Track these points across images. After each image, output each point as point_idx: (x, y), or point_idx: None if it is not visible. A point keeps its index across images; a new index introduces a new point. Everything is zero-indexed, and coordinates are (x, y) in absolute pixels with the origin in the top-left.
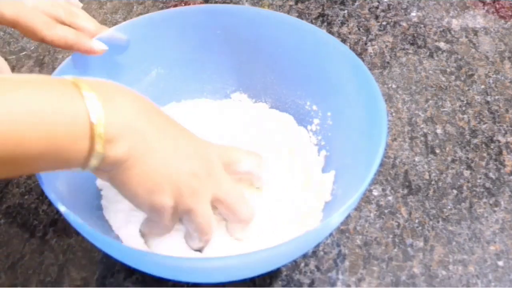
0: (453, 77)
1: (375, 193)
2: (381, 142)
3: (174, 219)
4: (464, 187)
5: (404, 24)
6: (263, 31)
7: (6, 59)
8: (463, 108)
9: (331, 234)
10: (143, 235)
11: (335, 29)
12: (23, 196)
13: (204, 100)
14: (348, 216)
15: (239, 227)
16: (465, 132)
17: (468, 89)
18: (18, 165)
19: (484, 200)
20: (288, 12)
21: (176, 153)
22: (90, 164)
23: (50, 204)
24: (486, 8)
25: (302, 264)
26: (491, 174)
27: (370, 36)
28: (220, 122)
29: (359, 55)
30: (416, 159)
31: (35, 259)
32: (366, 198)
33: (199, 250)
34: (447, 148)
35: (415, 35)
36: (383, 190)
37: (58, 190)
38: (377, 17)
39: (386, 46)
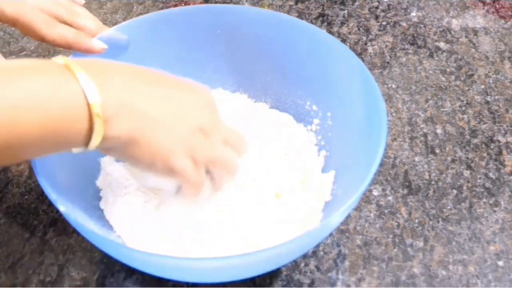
0: (453, 77)
1: (375, 193)
2: (381, 142)
3: (201, 173)
4: (464, 187)
5: (404, 24)
6: (263, 31)
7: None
8: (463, 108)
9: (331, 234)
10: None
11: (335, 29)
12: (23, 196)
13: None
14: (348, 216)
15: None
16: (465, 132)
17: (468, 89)
18: (18, 150)
19: (484, 200)
20: (288, 12)
21: (177, 115)
22: (91, 143)
23: (50, 204)
24: (486, 8)
25: (302, 264)
26: (491, 174)
27: (370, 36)
28: None
29: (359, 55)
30: (416, 159)
31: (35, 259)
32: (366, 198)
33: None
34: (447, 148)
35: (415, 35)
36: (383, 190)
37: (58, 190)
38: (377, 17)
39: (386, 46)
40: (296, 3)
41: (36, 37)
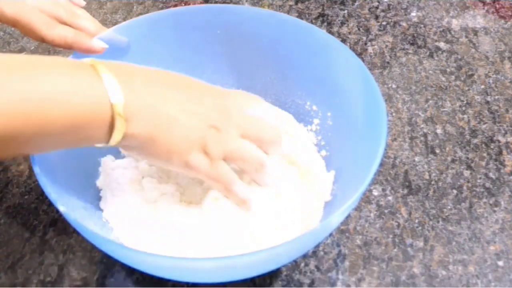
0: (453, 77)
1: (375, 193)
2: (381, 142)
3: (220, 167)
4: (464, 187)
5: (404, 24)
6: (263, 31)
7: None
8: (463, 108)
9: (331, 234)
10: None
11: (335, 29)
12: (23, 196)
13: None
14: (348, 216)
15: (261, 175)
16: (465, 132)
17: (468, 89)
18: (42, 141)
19: (484, 200)
20: (288, 12)
21: (194, 114)
22: (112, 140)
23: (50, 204)
24: (486, 8)
25: (302, 264)
26: (491, 174)
27: (370, 36)
28: None
29: (359, 55)
30: (416, 159)
31: (35, 259)
32: (366, 198)
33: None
34: (447, 148)
35: (415, 35)
36: (383, 190)
37: (58, 190)
38: (377, 17)
39: (386, 46)
40: (296, 3)
41: (36, 37)
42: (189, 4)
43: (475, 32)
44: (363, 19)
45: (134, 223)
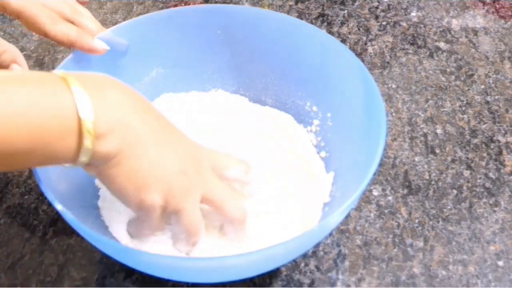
0: (453, 77)
1: (375, 193)
2: (379, 143)
3: (163, 220)
4: (464, 187)
5: (404, 24)
6: (263, 31)
7: None
8: (463, 108)
9: (331, 234)
10: (130, 235)
11: (335, 29)
12: (23, 196)
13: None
14: (348, 216)
15: (232, 228)
16: (465, 132)
17: (468, 89)
18: (7, 160)
19: (484, 200)
20: (288, 12)
21: (166, 151)
22: (79, 159)
23: (50, 204)
24: (486, 8)
25: (302, 264)
26: (491, 174)
27: (370, 36)
28: (220, 122)
29: (359, 55)
30: (416, 159)
31: (35, 259)
32: (366, 198)
33: (187, 254)
34: (447, 148)
35: (415, 35)
36: (383, 190)
37: (56, 189)
38: (377, 17)
39: (386, 46)
40: (296, 3)
41: (39, 31)
42: (189, 4)
43: (475, 32)
44: (363, 19)
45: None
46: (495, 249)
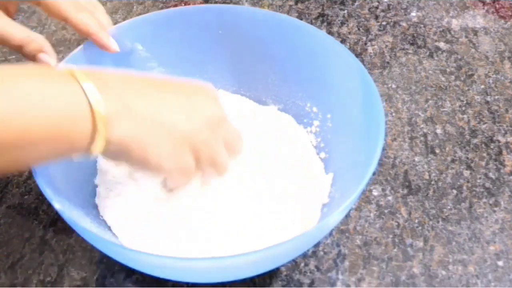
0: (453, 77)
1: (375, 193)
2: (378, 144)
3: (197, 170)
4: (464, 187)
5: (404, 24)
6: (263, 31)
7: (6, 59)
8: (463, 108)
9: (331, 234)
10: (167, 190)
11: (335, 29)
12: (23, 196)
13: None
14: (348, 216)
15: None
16: (465, 132)
17: (468, 89)
18: (22, 152)
19: (484, 200)
20: (288, 12)
21: (180, 117)
22: (95, 147)
23: (50, 204)
24: (486, 8)
25: (302, 264)
26: (491, 174)
27: (370, 36)
28: None
29: (359, 55)
30: (416, 159)
31: (35, 259)
32: (366, 198)
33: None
34: (447, 148)
35: (415, 35)
36: (383, 190)
37: (56, 188)
38: (377, 17)
39: (386, 46)
40: (296, 3)
41: (59, 16)
42: (189, 4)
43: (475, 32)
44: (363, 19)
45: (130, 222)
46: (495, 249)
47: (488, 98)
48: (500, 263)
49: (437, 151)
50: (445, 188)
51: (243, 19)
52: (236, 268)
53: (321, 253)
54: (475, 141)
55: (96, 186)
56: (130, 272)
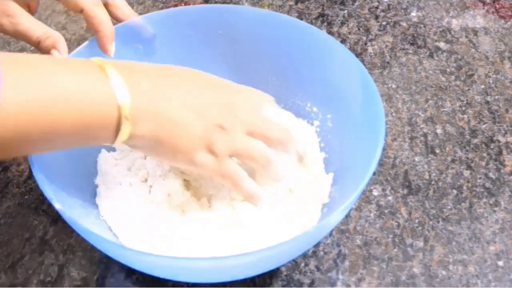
0: (453, 77)
1: (375, 193)
2: (378, 144)
3: (226, 164)
4: (464, 187)
5: (404, 24)
6: (263, 31)
7: None
8: (463, 108)
9: (331, 234)
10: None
11: (335, 29)
12: (23, 196)
13: None
14: (348, 216)
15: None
16: (465, 132)
17: (468, 89)
18: (51, 141)
19: (484, 200)
20: (288, 12)
21: (197, 114)
22: (118, 141)
23: (50, 204)
24: (486, 8)
25: (302, 264)
26: (491, 174)
27: (370, 36)
28: None
29: (359, 55)
30: (416, 159)
31: (35, 259)
32: (366, 198)
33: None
34: (447, 148)
35: (415, 35)
36: (383, 190)
37: (56, 188)
38: (377, 17)
39: (386, 46)
40: (296, 3)
41: (75, 7)
42: (189, 4)
43: (475, 32)
44: (363, 19)
45: (130, 222)
46: (495, 249)
47: (488, 98)
48: (500, 263)
49: (437, 151)
50: (445, 188)
51: (243, 19)
52: (236, 268)
53: (321, 253)
54: (475, 141)
55: (96, 186)
56: (130, 272)
